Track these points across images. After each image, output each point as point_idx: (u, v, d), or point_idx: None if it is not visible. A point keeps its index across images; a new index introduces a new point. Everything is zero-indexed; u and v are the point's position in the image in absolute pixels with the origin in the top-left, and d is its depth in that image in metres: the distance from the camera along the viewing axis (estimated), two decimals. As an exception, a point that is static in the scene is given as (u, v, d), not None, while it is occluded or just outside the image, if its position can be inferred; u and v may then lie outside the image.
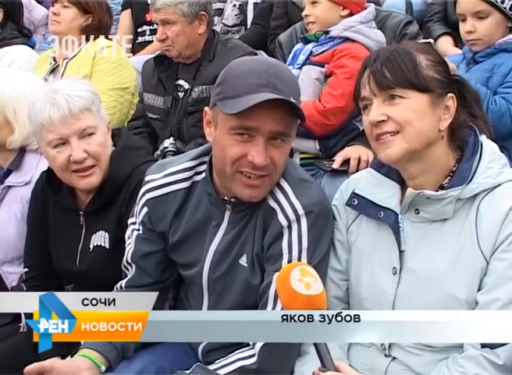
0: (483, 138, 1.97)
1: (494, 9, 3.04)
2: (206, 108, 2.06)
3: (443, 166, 1.95)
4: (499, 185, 1.89)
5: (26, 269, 2.67)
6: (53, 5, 4.15)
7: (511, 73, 3.04)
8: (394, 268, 1.96)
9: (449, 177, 1.94)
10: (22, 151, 2.92)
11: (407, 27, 3.46)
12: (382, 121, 1.91)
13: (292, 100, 1.93)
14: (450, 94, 1.93)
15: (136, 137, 3.37)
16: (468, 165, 1.91)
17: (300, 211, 2.02)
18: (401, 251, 1.95)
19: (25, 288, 2.67)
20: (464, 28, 3.11)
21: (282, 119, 1.95)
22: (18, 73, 3.07)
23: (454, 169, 1.94)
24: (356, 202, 2.05)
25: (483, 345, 1.81)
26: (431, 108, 1.91)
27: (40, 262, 2.65)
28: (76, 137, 2.42)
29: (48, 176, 2.61)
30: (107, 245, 2.50)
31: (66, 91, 2.42)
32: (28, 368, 1.93)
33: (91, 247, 2.51)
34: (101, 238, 2.48)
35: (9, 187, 2.90)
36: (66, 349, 2.14)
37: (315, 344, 1.48)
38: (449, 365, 1.86)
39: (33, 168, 2.88)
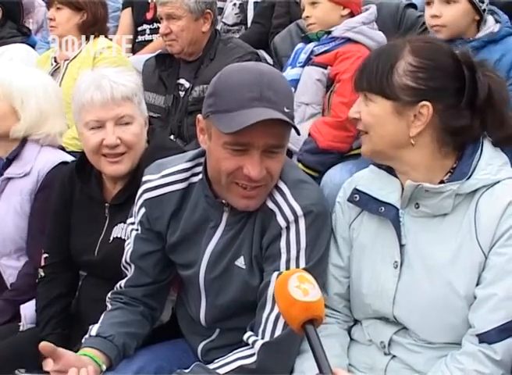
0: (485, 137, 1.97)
1: None
2: (199, 116, 2.05)
3: (431, 166, 1.95)
4: (499, 182, 1.89)
5: (45, 255, 2.67)
6: (48, 10, 4.16)
7: None
8: (395, 262, 1.96)
9: (449, 174, 1.94)
10: (23, 142, 2.93)
11: (405, 10, 3.50)
12: (358, 118, 1.97)
13: (285, 110, 1.92)
14: (423, 103, 1.89)
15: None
16: (469, 161, 1.91)
17: (299, 212, 2.01)
18: (402, 246, 1.96)
19: (43, 274, 2.67)
20: (429, 12, 3.08)
21: (277, 133, 1.94)
22: (29, 68, 3.13)
23: (455, 165, 1.94)
24: (357, 198, 2.06)
25: (481, 341, 1.82)
26: (394, 115, 1.91)
27: (61, 248, 2.64)
28: (112, 122, 2.43)
29: (79, 164, 2.61)
30: (125, 237, 2.48)
31: (112, 78, 2.46)
32: (43, 344, 1.91)
33: (111, 238, 2.51)
34: (121, 230, 2.47)
35: (9, 179, 2.91)
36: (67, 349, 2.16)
37: (312, 349, 1.48)
38: (447, 362, 1.87)
39: (33, 159, 2.90)
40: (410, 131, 1.92)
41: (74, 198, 2.63)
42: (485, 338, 1.82)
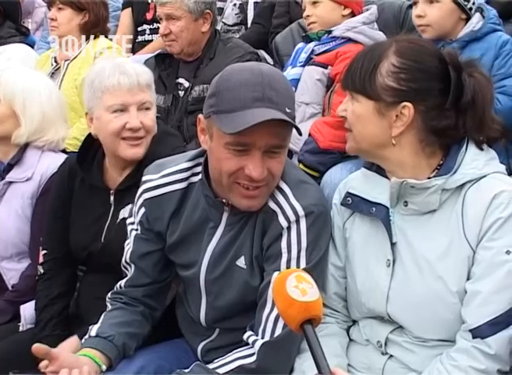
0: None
1: None
2: (200, 116, 2.05)
3: (416, 164, 1.95)
4: (485, 176, 1.90)
5: (44, 252, 2.68)
6: (49, 10, 4.16)
7: (495, 65, 3.01)
8: (388, 260, 1.97)
9: (436, 171, 1.95)
10: (23, 147, 2.92)
11: (408, 11, 3.50)
12: (345, 117, 2.00)
13: (287, 111, 1.92)
14: (405, 103, 1.90)
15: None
16: (454, 157, 1.93)
17: (301, 212, 2.02)
18: (393, 244, 1.97)
19: (42, 270, 2.68)
20: (414, 12, 3.09)
21: (279, 133, 1.94)
22: (33, 71, 3.12)
23: (441, 163, 1.95)
24: (350, 201, 2.07)
25: (474, 336, 1.83)
26: (376, 115, 1.93)
27: (60, 244, 2.66)
28: (135, 107, 2.49)
29: (80, 155, 2.63)
30: None
31: (133, 65, 2.55)
32: (36, 346, 1.92)
33: (118, 220, 2.52)
34: (128, 211, 2.45)
35: (10, 182, 2.90)
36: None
37: (311, 349, 1.48)
38: (442, 360, 1.87)
39: (35, 164, 2.89)
40: (392, 131, 1.93)
41: (75, 193, 2.64)
42: (478, 333, 1.82)
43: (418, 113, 1.90)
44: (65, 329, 2.60)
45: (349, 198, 2.07)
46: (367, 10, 3.18)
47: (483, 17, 3.10)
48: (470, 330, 1.83)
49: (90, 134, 2.61)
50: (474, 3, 3.08)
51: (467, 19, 3.08)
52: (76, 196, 2.64)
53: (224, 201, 2.08)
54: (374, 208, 2.00)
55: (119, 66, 2.50)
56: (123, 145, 2.50)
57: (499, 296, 1.82)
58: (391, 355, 1.99)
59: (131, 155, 2.51)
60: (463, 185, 1.90)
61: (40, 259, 2.69)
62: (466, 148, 1.93)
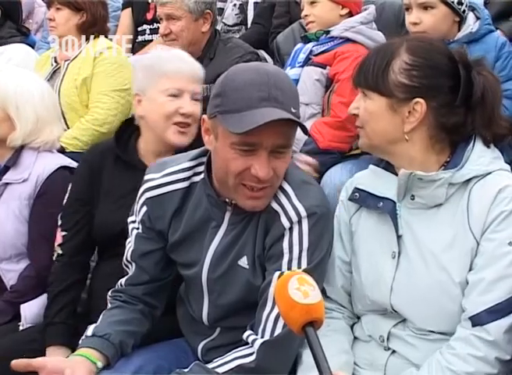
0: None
1: (440, 2, 3.02)
2: (204, 117, 2.05)
3: (425, 160, 1.99)
4: (491, 173, 1.94)
5: (64, 233, 2.67)
6: (49, 10, 4.16)
7: (496, 67, 3.01)
8: (393, 252, 2.00)
9: (443, 166, 1.99)
10: (19, 149, 2.91)
11: None
12: (357, 115, 2.04)
13: (293, 110, 1.92)
14: (417, 100, 1.94)
15: None
16: (461, 154, 1.97)
17: (303, 213, 2.02)
18: (399, 236, 2.00)
19: (60, 251, 2.67)
20: (408, 19, 3.09)
21: (285, 133, 1.94)
22: (24, 72, 3.09)
23: (448, 159, 1.99)
24: (357, 196, 2.11)
25: (474, 324, 1.85)
26: (389, 112, 1.97)
27: (81, 227, 2.66)
28: (189, 95, 2.57)
29: (117, 137, 2.67)
30: None
31: (191, 57, 2.69)
32: (14, 361, 1.91)
33: None
34: None
35: (7, 184, 2.90)
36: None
37: (312, 352, 1.48)
38: (442, 349, 1.89)
39: (31, 165, 2.88)
40: (404, 127, 1.97)
41: (104, 178, 2.65)
42: (477, 320, 1.85)
43: (430, 110, 1.95)
44: (75, 320, 2.59)
45: (356, 194, 2.11)
46: (365, 10, 3.19)
47: (476, 17, 3.11)
48: (469, 318, 1.86)
49: (127, 119, 2.70)
50: (466, 5, 3.09)
51: (460, 21, 3.09)
52: (107, 179, 2.64)
53: (227, 200, 2.09)
54: (381, 203, 2.03)
55: (176, 54, 2.63)
56: (172, 130, 2.56)
57: (499, 285, 1.85)
58: (393, 351, 2.00)
59: (178, 142, 2.57)
60: (469, 181, 1.94)
61: (59, 240, 2.67)
62: (473, 145, 1.97)
